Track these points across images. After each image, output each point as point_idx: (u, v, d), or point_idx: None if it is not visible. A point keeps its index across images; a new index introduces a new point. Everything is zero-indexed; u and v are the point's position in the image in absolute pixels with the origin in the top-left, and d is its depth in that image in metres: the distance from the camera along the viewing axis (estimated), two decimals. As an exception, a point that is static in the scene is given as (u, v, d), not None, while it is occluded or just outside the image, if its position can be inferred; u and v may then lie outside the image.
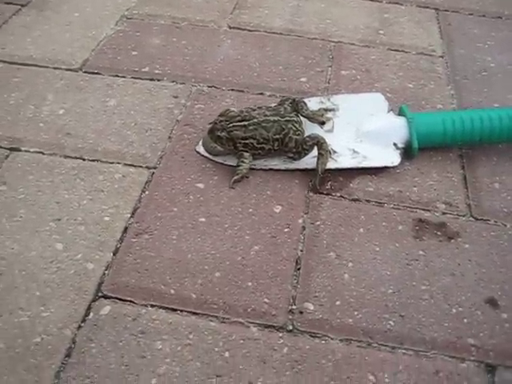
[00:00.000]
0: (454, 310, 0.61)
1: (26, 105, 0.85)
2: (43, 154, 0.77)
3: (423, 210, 0.72)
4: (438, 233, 0.69)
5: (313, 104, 0.80)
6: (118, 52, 0.96)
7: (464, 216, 0.72)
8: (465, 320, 0.61)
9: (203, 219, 0.69)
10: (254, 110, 0.74)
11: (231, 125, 0.73)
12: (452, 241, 0.68)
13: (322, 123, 0.77)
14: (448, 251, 0.67)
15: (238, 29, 1.03)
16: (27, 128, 0.81)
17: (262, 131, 0.73)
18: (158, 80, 0.90)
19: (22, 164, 0.76)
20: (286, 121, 0.74)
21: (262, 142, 0.73)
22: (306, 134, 0.75)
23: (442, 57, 0.99)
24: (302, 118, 0.76)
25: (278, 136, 0.73)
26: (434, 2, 1.14)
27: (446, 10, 1.12)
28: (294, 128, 0.73)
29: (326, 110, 0.79)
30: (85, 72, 0.92)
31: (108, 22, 1.04)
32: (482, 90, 0.92)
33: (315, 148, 0.73)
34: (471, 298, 0.63)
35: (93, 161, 0.77)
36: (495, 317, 0.61)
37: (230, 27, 1.04)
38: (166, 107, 0.85)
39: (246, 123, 0.73)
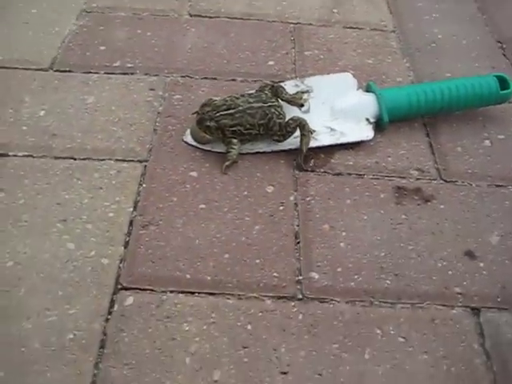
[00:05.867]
0: (440, 265, 0.69)
1: (5, 108, 0.86)
2: (33, 157, 0.79)
3: (399, 177, 0.79)
4: (416, 197, 0.77)
5: (288, 87, 0.85)
6: (86, 48, 0.97)
7: (435, 180, 0.80)
8: (449, 272, 0.69)
9: (203, 206, 0.74)
10: (238, 99, 0.79)
11: (218, 114, 0.77)
12: (428, 203, 0.76)
13: (301, 105, 0.83)
14: (426, 213, 0.75)
15: (199, 16, 1.06)
16: (10, 132, 0.82)
17: (248, 118, 0.78)
18: (132, 74, 0.93)
19: (14, 169, 0.77)
20: (269, 106, 0.79)
21: (249, 128, 0.78)
22: (287, 116, 0.80)
23: (393, 31, 1.06)
24: (281, 101, 0.82)
25: (262, 121, 0.78)
26: (379, -23, 1.21)
27: (391, -15, 1.19)
28: (276, 112, 0.79)
29: (302, 92, 0.85)
30: (56, 71, 0.93)
31: (68, 17, 1.04)
32: (433, 61, 1.00)
33: (297, 129, 0.79)
34: (452, 252, 0.71)
35: (84, 159, 0.79)
36: (474, 266, 0.69)
37: (191, 15, 1.07)
38: (145, 100, 0.88)
39: (232, 111, 0.78)
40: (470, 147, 0.85)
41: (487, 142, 0.86)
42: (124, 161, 0.79)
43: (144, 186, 0.76)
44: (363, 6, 1.12)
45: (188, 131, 0.82)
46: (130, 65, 0.94)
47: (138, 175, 0.77)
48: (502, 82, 0.86)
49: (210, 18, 1.06)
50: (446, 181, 0.80)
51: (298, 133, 0.79)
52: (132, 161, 0.79)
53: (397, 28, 1.07)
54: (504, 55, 1.03)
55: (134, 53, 0.97)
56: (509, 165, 0.83)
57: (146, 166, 0.79)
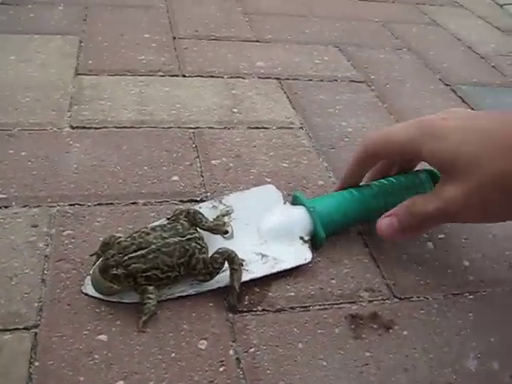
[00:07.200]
0: (423, 412, 0.57)
1: None
2: None
3: (350, 303, 0.68)
4: (374, 325, 0.65)
5: (204, 210, 0.71)
6: None
7: (388, 299, 0.69)
8: (436, 420, 0.57)
9: (121, 382, 0.56)
10: (149, 234, 0.64)
11: (127, 257, 0.61)
12: (390, 331, 0.65)
13: (225, 232, 0.69)
14: (391, 344, 0.63)
15: (83, 128, 0.91)
16: None
17: (165, 258, 0.62)
18: (6, 207, 0.75)
19: None
20: (188, 240, 0.64)
21: (167, 270, 0.63)
22: (209, 247, 0.66)
23: (301, 128, 0.98)
24: (201, 231, 0.68)
25: (183, 259, 0.63)
26: (273, 72, 1.14)
27: (286, 79, 1.12)
28: (198, 246, 0.64)
29: (223, 215, 0.72)
30: None
31: None
32: (350, 157, 0.92)
33: (225, 263, 0.65)
34: (432, 392, 0.59)
35: (-51, 337, 0.59)
36: (460, 406, 0.58)
37: (73, 127, 0.91)
38: (26, 241, 0.70)
39: (143, 252, 0.62)
40: (415, 253, 0.76)
41: (430, 245, 0.78)
42: (6, 331, 0.60)
43: (37, 364, 0.57)
44: (264, 102, 1.04)
45: (88, 279, 0.65)
46: (2, 195, 0.76)
47: (28, 350, 0.58)
48: (433, 177, 0.80)
49: (96, 128, 0.91)
50: (400, 298, 0.69)
51: (225, 266, 0.65)
52: (17, 329, 0.60)
53: (304, 124, 0.99)
54: (417, 144, 0.98)
55: (6, 179, 0.79)
56: (456, 268, 0.74)
57: (36, 333, 0.60)
